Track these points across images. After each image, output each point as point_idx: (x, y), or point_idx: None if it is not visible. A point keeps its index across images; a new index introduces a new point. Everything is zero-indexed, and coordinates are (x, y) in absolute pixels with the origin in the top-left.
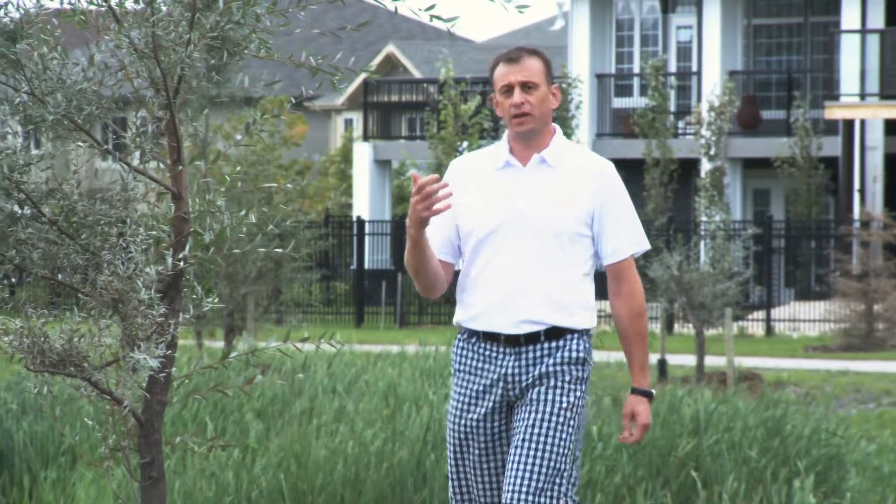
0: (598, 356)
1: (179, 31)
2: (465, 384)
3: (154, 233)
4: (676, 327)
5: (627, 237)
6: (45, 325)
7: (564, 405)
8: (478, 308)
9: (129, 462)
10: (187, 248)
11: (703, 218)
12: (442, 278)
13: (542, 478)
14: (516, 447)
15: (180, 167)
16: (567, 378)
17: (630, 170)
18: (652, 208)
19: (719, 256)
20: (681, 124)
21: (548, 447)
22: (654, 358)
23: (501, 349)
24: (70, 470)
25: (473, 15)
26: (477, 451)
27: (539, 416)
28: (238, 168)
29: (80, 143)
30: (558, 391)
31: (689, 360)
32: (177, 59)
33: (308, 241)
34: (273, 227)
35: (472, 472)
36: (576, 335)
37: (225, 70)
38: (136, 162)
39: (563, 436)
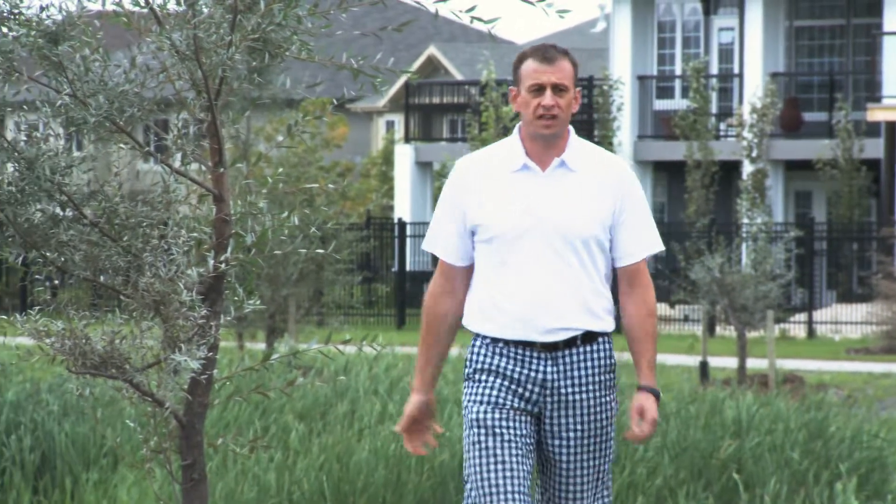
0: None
1: (221, 33)
2: (490, 380)
3: (195, 235)
4: (718, 329)
5: (643, 239)
6: (87, 326)
7: (605, 422)
8: (504, 319)
9: (171, 464)
10: (229, 249)
11: (745, 220)
12: (458, 318)
13: (594, 493)
14: (567, 470)
15: (222, 169)
16: (604, 391)
17: (671, 172)
18: (693, 210)
19: (761, 259)
20: (722, 126)
21: (595, 467)
22: (695, 360)
23: (536, 354)
24: (111, 472)
25: (515, 17)
26: (504, 438)
27: (587, 440)
28: (280, 170)
29: (121, 146)
30: (598, 408)
31: (731, 362)
32: (218, 61)
33: (350, 243)
34: (315, 230)
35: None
36: (605, 338)
37: (266, 72)
38: (177, 164)
39: (605, 448)
